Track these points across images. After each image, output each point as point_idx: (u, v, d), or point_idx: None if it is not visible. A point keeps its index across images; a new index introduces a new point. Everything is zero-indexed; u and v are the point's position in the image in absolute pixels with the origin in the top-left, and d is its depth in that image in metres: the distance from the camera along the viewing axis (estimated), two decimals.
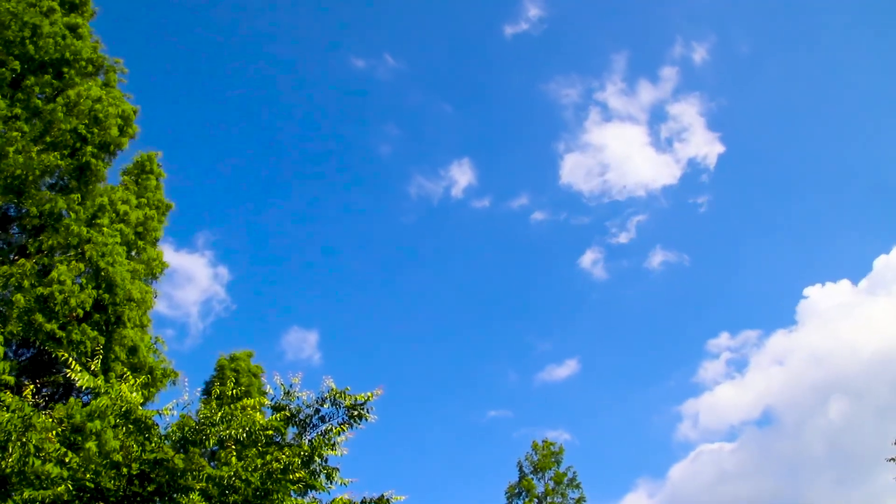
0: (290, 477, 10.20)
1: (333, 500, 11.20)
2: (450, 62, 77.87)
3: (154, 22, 70.70)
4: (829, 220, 70.68)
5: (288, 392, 11.01)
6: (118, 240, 16.24)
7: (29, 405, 9.76)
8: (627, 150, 68.00)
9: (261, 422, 10.48)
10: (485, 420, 59.76)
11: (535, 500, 33.55)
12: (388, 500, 11.01)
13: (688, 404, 61.51)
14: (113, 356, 15.50)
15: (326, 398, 10.94)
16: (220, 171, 74.31)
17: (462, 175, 72.91)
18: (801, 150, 73.88)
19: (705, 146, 68.15)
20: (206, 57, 75.06)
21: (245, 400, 10.74)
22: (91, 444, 12.06)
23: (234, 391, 11.19)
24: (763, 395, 58.65)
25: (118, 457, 10.48)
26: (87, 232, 15.69)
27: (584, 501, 33.44)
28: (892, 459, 18.41)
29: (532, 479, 34.41)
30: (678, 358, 67.32)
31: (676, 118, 72.00)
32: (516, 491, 34.11)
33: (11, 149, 15.28)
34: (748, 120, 75.46)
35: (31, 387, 10.93)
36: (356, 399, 10.80)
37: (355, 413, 10.89)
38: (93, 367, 10.80)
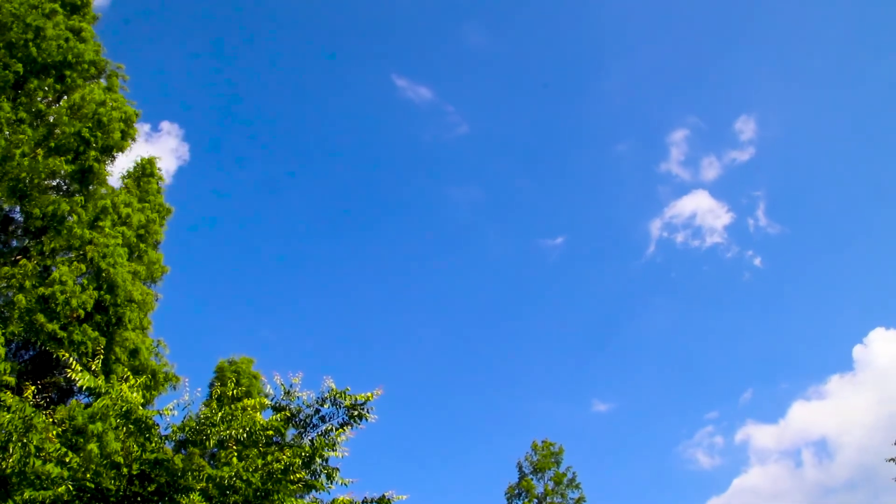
0: (291, 477, 10.23)
1: (334, 500, 11.23)
2: (525, 130, 79.39)
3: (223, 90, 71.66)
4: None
5: (288, 392, 11.03)
6: (119, 241, 16.29)
7: (30, 406, 9.80)
8: (700, 219, 70.75)
9: (261, 422, 10.52)
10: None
11: (535, 500, 33.47)
12: (389, 500, 11.04)
13: (743, 438, 62.81)
14: (114, 358, 15.54)
15: (327, 398, 10.96)
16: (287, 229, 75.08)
17: (541, 239, 75.11)
18: (869, 209, 74.89)
19: (771, 222, 71.27)
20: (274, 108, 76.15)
21: (245, 400, 10.78)
22: (93, 446, 12.09)
23: (235, 391, 11.23)
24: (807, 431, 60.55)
25: (119, 458, 10.52)
26: (90, 234, 15.75)
27: (584, 502, 33.45)
28: (892, 460, 18.44)
29: (532, 479, 34.33)
30: (731, 397, 68.44)
31: (743, 191, 74.73)
32: (516, 492, 34.03)
33: (18, 152, 15.34)
34: (813, 193, 77.02)
35: (32, 387, 10.95)
36: (356, 399, 10.83)
37: (355, 413, 10.92)
38: (93, 368, 10.84)
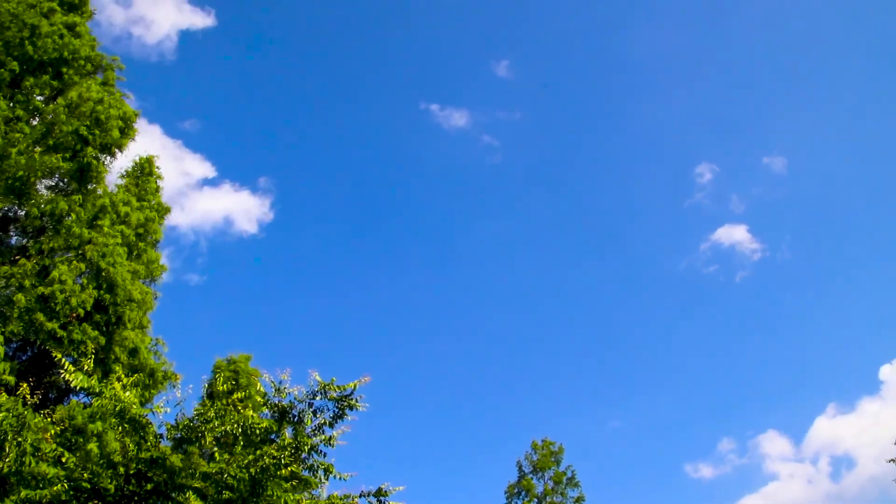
0: (283, 472, 10.20)
1: (330, 497, 11.23)
2: (554, 159, 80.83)
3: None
4: None
5: (279, 388, 10.98)
6: (119, 240, 16.26)
7: (23, 404, 9.79)
8: (728, 251, 71.86)
9: (254, 418, 10.52)
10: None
11: (535, 499, 33.41)
12: (385, 491, 10.96)
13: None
14: (113, 357, 15.52)
15: (317, 392, 10.91)
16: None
17: (568, 266, 76.05)
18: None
19: (799, 253, 73.19)
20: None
21: (237, 394, 10.76)
22: (92, 446, 12.12)
23: (226, 386, 11.22)
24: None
25: (117, 457, 10.55)
26: (88, 233, 15.75)
27: (584, 501, 33.40)
28: (892, 461, 18.35)
29: (531, 478, 34.21)
30: (755, 413, 68.91)
31: (771, 223, 75.91)
32: (516, 491, 33.96)
33: (14, 150, 15.33)
34: (840, 216, 77.41)
35: (25, 385, 10.94)
36: (343, 389, 10.74)
37: (345, 404, 10.87)
38: (86, 367, 10.83)
